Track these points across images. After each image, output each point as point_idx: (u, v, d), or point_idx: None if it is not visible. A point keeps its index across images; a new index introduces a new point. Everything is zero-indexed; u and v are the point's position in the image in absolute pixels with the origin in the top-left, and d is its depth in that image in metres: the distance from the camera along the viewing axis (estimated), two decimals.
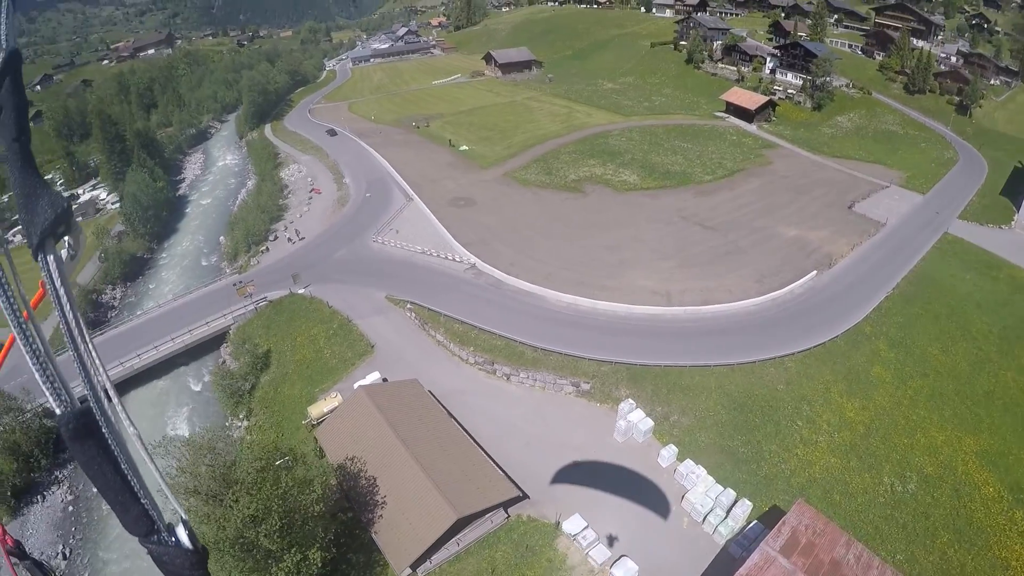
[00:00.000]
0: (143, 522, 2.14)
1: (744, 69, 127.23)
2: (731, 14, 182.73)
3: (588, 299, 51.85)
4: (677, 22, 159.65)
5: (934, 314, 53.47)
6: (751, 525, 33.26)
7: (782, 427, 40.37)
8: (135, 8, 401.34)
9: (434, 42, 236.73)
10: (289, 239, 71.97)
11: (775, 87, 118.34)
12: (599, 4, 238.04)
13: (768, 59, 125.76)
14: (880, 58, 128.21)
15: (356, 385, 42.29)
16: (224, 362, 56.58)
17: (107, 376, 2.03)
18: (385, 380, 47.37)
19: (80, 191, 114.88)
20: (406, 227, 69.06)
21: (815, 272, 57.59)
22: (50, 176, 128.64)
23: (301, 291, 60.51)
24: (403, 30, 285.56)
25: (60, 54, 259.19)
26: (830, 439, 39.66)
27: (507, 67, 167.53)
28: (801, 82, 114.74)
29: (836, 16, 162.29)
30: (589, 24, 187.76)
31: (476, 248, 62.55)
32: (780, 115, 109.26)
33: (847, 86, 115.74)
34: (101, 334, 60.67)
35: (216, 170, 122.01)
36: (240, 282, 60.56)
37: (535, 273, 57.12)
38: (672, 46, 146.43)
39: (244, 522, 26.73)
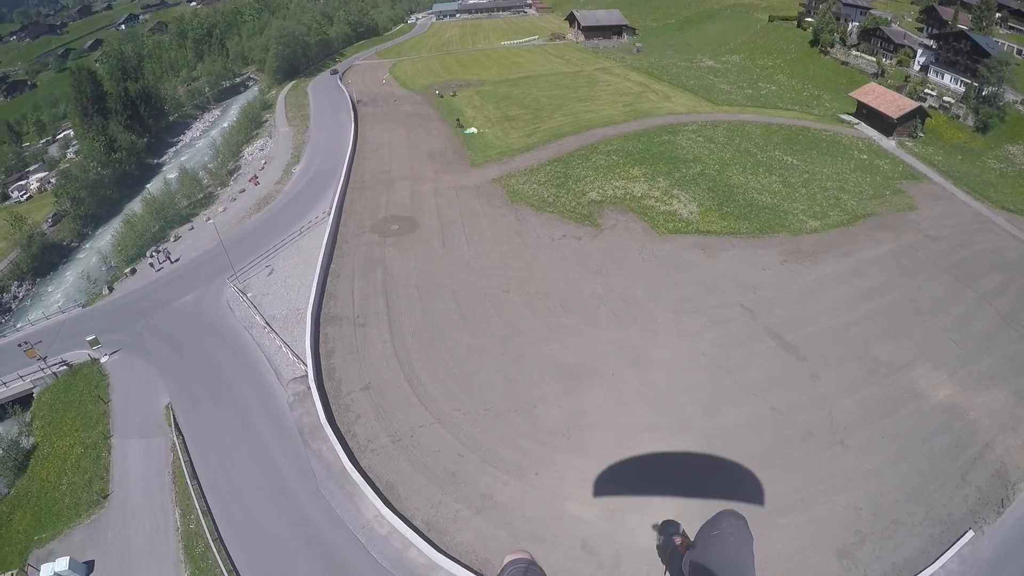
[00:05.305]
0: None
1: (886, 61, 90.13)
2: None
3: (425, 545, 24.92)
4: None
5: None
6: None
7: None
8: None
9: (530, 1, 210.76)
10: (151, 264, 52.23)
11: (926, 90, 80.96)
12: None
13: (919, 51, 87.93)
14: None
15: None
16: None
17: None
18: (89, 564, 27.14)
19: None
20: (286, 265, 45.98)
21: (970, 534, 26.32)
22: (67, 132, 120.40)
23: (103, 359, 40.94)
24: None
25: None
26: None
27: (591, 31, 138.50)
28: (964, 89, 77.30)
29: (1000, 14, 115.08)
30: None
31: (340, 333, 38.10)
32: (930, 131, 72.49)
33: (1023, 103, 75.74)
34: None
35: (216, 133, 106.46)
36: (26, 341, 42.26)
37: (392, 422, 31.64)
38: (796, 22, 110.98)
39: None
